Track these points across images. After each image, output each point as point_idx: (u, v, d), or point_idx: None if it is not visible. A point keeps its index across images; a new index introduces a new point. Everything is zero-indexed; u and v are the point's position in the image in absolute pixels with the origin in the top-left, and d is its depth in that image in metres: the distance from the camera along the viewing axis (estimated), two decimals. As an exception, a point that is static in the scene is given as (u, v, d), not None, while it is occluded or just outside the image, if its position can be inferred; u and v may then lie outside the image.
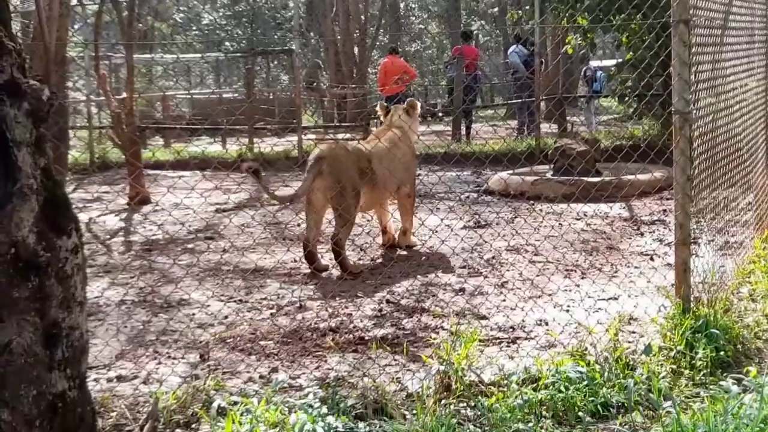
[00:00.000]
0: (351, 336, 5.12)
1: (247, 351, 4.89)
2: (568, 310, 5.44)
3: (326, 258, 7.06)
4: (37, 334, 2.49)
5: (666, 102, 5.28)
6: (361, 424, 3.60)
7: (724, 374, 4.09)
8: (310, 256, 6.84)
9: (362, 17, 27.53)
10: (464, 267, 6.87)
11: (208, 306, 5.84)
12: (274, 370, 4.53)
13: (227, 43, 35.71)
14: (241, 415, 3.62)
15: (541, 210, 9.16)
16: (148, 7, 32.58)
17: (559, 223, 8.45)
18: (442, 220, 7.48)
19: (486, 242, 7.37)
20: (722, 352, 4.22)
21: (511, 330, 5.13)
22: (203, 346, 4.96)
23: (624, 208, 9.40)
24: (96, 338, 4.95)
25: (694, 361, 4.16)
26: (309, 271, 6.83)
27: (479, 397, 3.85)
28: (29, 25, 10.67)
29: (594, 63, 21.28)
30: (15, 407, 2.42)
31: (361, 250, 7.69)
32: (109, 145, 14.62)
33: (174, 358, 4.76)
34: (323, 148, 7.00)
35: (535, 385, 3.93)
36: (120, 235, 8.93)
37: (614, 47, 18.04)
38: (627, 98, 15.60)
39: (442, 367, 3.97)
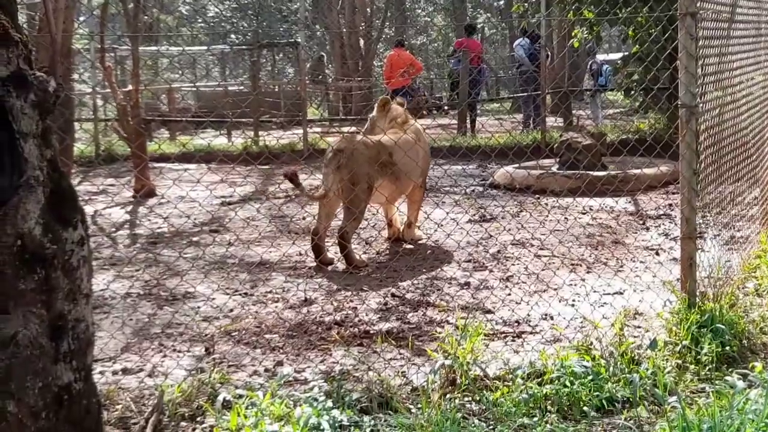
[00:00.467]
0: (356, 330, 5.12)
1: (252, 344, 4.90)
2: (573, 305, 5.43)
3: (332, 251, 7.06)
4: (43, 326, 2.49)
5: (672, 95, 5.27)
6: (366, 418, 3.61)
7: (730, 369, 4.08)
8: (317, 249, 6.83)
9: (368, 10, 27.50)
10: (469, 261, 6.86)
11: (214, 299, 5.85)
12: (279, 363, 4.53)
13: (233, 36, 35.70)
14: (246, 408, 3.62)
15: (546, 204, 9.15)
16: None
17: (565, 217, 8.45)
18: (447, 213, 7.46)
19: (491, 236, 7.36)
20: (728, 348, 4.22)
21: (516, 324, 5.13)
22: (208, 339, 4.96)
23: (630, 202, 9.39)
24: (101, 331, 4.96)
25: (699, 356, 4.16)
26: (314, 264, 6.83)
27: (484, 392, 3.85)
28: (35, 16, 10.66)
29: (600, 56, 21.22)
30: (21, 399, 2.43)
31: (367, 243, 7.69)
32: (114, 138, 14.63)
33: (179, 351, 4.77)
34: (342, 142, 6.99)
35: (540, 379, 3.93)
36: (125, 228, 8.93)
37: (620, 40, 17.99)
38: (633, 92, 15.56)
39: (447, 361, 3.97)
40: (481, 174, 12.01)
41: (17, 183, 2.47)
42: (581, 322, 4.90)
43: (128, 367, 4.49)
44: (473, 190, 10.75)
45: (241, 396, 3.78)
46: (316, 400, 3.67)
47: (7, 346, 2.41)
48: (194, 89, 23.42)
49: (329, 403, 3.64)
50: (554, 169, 10.97)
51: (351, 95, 22.70)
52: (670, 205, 9.01)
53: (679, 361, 4.16)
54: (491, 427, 3.57)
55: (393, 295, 5.90)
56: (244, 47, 25.33)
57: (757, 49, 6.73)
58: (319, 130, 19.29)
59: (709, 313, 4.36)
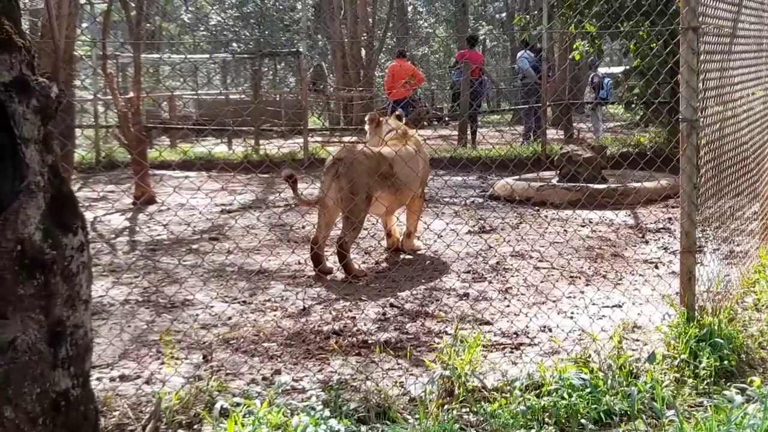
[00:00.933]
0: (354, 339, 5.11)
1: (250, 352, 4.89)
2: (572, 317, 5.43)
3: (331, 261, 7.06)
4: (42, 331, 2.49)
5: (673, 109, 5.27)
6: (363, 428, 3.60)
7: (728, 384, 4.08)
8: (316, 258, 6.83)
9: (370, 20, 27.55)
10: (469, 272, 6.86)
11: (212, 307, 5.84)
12: (277, 372, 4.52)
13: (235, 44, 35.76)
14: (244, 416, 3.62)
15: (546, 216, 9.16)
16: (157, 7, 32.62)
17: (565, 230, 8.45)
18: (447, 224, 7.46)
19: (491, 247, 7.36)
20: (726, 362, 4.22)
21: (514, 336, 5.13)
22: (206, 347, 4.96)
23: (629, 215, 9.39)
24: (99, 337, 4.95)
25: (697, 370, 4.15)
26: (313, 273, 6.83)
27: (482, 403, 3.85)
28: (38, 22, 10.68)
29: (602, 70, 21.27)
30: (18, 405, 2.42)
31: (366, 253, 7.69)
32: (115, 144, 14.65)
33: (177, 359, 4.76)
34: (342, 151, 7.00)
35: (538, 391, 3.92)
36: (125, 235, 8.93)
37: (622, 54, 18.03)
38: (634, 105, 15.58)
39: (445, 372, 3.97)
40: (481, 185, 12.02)
41: (18, 188, 2.47)
42: (580, 335, 4.90)
43: (126, 374, 4.49)
44: (473, 201, 10.75)
45: (238, 404, 3.77)
46: (313, 409, 3.67)
47: (5, 351, 2.41)
48: (195, 97, 23.45)
49: (327, 413, 3.63)
50: (554, 181, 10.98)
51: (352, 105, 22.72)
52: (670, 218, 9.02)
53: (678, 375, 4.16)
54: (489, 438, 3.57)
55: (392, 305, 5.89)
56: (245, 56, 25.40)
57: (758, 64, 6.74)
58: (319, 139, 19.32)
59: (707, 327, 4.35)
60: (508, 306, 5.76)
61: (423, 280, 6.63)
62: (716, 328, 4.38)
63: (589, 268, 6.85)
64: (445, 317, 5.53)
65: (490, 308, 5.66)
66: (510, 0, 37.10)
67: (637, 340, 4.83)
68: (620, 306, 5.65)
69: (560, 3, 15.20)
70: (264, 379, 4.41)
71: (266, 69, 28.24)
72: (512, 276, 6.66)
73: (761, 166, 6.76)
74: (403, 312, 5.74)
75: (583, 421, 3.69)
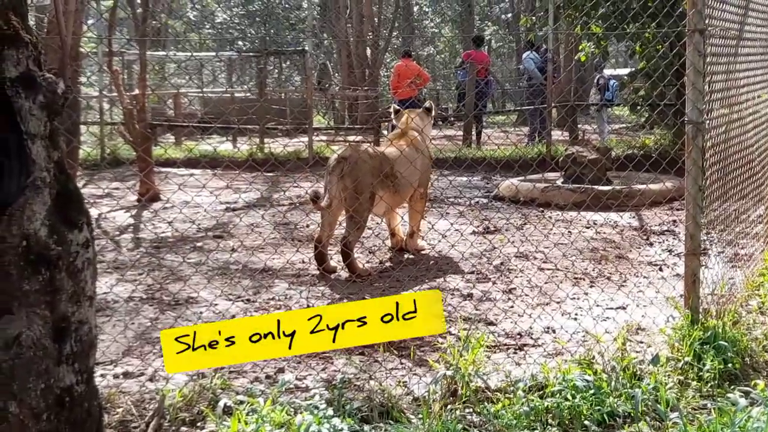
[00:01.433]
0: (358, 338, 5.10)
1: (253, 350, 4.88)
2: (576, 318, 5.42)
3: (335, 260, 7.06)
4: (47, 327, 2.50)
5: (679, 111, 5.27)
6: (366, 427, 3.60)
7: (732, 387, 4.07)
8: (321, 257, 6.83)
9: (375, 20, 27.55)
10: (473, 272, 6.86)
11: (216, 305, 5.85)
12: (281, 370, 4.52)
13: (240, 42, 35.78)
14: (247, 414, 3.62)
15: (550, 217, 9.15)
16: (163, 4, 32.65)
17: (569, 231, 8.44)
18: (451, 224, 7.47)
19: (495, 248, 7.36)
20: (730, 365, 4.21)
21: (518, 336, 5.12)
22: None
23: (634, 217, 9.37)
24: (103, 334, 4.96)
25: (701, 373, 4.15)
26: (317, 272, 6.83)
27: (485, 403, 3.85)
28: (45, 19, 10.70)
29: (607, 71, 21.24)
30: (23, 400, 2.43)
31: (370, 252, 7.69)
32: (120, 142, 14.66)
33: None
34: (346, 150, 7.00)
35: (541, 392, 3.92)
36: (129, 232, 8.94)
37: (628, 56, 18.00)
38: (639, 107, 15.57)
39: (448, 372, 3.97)
40: (486, 186, 12.02)
41: (24, 184, 2.47)
42: (584, 336, 4.89)
43: (130, 371, 4.49)
44: (478, 202, 10.74)
45: (242, 402, 3.77)
46: (316, 407, 3.67)
47: (10, 346, 2.41)
48: (201, 95, 23.48)
49: (330, 412, 3.63)
50: (559, 182, 10.96)
51: (357, 104, 22.72)
52: (675, 221, 9.00)
53: (681, 377, 4.15)
54: (492, 439, 3.57)
55: (395, 305, 5.88)
56: (251, 54, 25.40)
57: (764, 66, 6.73)
58: (324, 138, 19.33)
59: (711, 330, 4.35)
60: (511, 307, 5.76)
61: (427, 280, 6.63)
62: (720, 330, 4.37)
63: (593, 270, 6.85)
64: (449, 317, 5.53)
65: (494, 309, 5.66)
66: (516, 1, 37.08)
67: (641, 342, 4.82)
68: (624, 308, 5.64)
69: (566, 4, 15.19)
70: (267, 377, 4.42)
71: (272, 67, 28.25)
72: (516, 277, 6.66)
73: (766, 169, 6.75)
74: (406, 312, 5.72)
75: (586, 422, 3.69)
